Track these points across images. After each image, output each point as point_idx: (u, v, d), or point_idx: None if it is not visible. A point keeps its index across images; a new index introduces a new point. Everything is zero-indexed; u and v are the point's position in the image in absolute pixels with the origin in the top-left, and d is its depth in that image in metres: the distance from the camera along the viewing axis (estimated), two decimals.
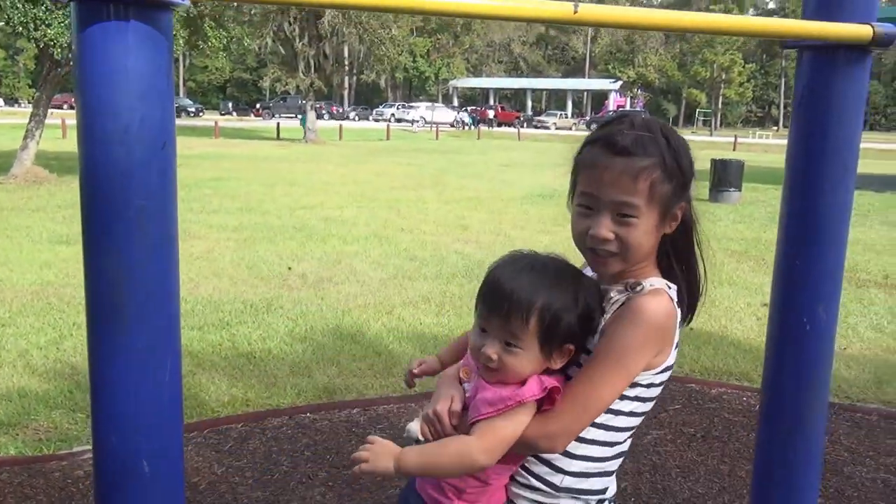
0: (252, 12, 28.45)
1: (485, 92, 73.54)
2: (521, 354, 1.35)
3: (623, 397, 1.38)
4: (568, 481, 1.42)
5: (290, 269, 7.45)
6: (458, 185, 15.79)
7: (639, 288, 1.38)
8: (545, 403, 1.35)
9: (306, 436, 3.36)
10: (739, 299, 6.76)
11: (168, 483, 1.23)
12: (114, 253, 1.12)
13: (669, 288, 1.41)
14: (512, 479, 1.46)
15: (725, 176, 13.99)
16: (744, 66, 70.26)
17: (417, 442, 1.47)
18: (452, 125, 52.21)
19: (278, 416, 3.59)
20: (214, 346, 4.97)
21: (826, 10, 1.44)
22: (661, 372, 1.41)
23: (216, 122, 33.46)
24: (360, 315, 5.88)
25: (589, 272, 1.53)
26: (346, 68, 34.94)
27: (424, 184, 15.76)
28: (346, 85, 54.26)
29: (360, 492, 2.87)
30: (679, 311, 1.40)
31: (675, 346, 1.40)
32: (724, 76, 68.83)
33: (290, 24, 28.85)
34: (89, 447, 3.27)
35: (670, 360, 1.41)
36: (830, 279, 1.57)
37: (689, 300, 1.47)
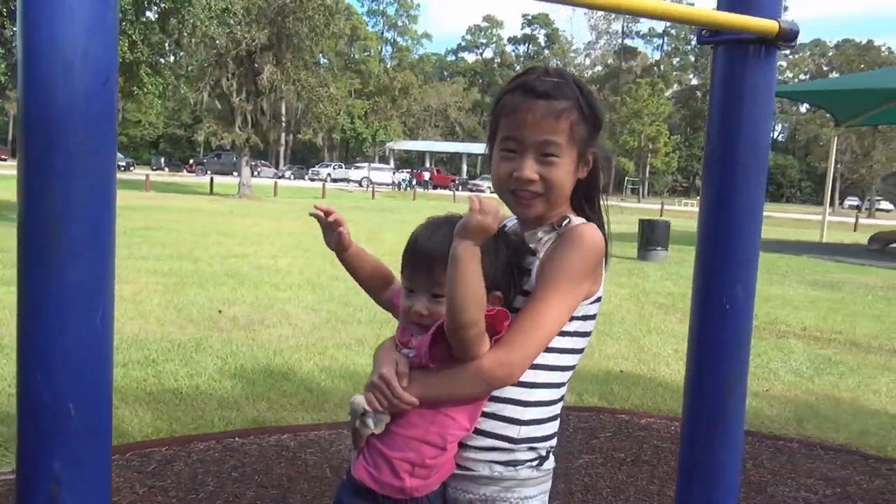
0: (189, 68, 28.43)
1: (421, 155, 74.60)
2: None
3: (563, 333, 1.42)
4: (525, 431, 1.43)
5: (220, 311, 7.30)
6: (394, 240, 15.82)
7: (566, 222, 1.46)
8: (495, 332, 1.37)
9: (234, 458, 3.27)
10: (667, 346, 6.93)
11: (95, 428, 1.20)
12: (51, 190, 1.11)
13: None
14: (463, 446, 1.45)
15: (653, 236, 14.46)
16: (669, 137, 73.40)
17: (363, 415, 1.41)
18: (399, 186, 52.77)
19: (205, 441, 3.47)
20: (139, 382, 4.80)
21: (737, 8, 1.57)
22: (595, 302, 1.47)
23: (147, 176, 32.88)
24: (292, 355, 5.79)
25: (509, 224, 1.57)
26: (283, 125, 35.03)
27: (360, 238, 15.52)
28: (283, 142, 54.26)
29: None
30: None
31: (603, 277, 1.47)
32: (650, 146, 71.70)
33: (227, 79, 28.90)
34: (5, 469, 3.10)
35: (601, 291, 1.47)
36: (747, 260, 1.67)
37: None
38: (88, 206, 1.15)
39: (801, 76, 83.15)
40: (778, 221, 33.56)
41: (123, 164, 54.39)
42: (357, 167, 59.68)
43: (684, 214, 39.45)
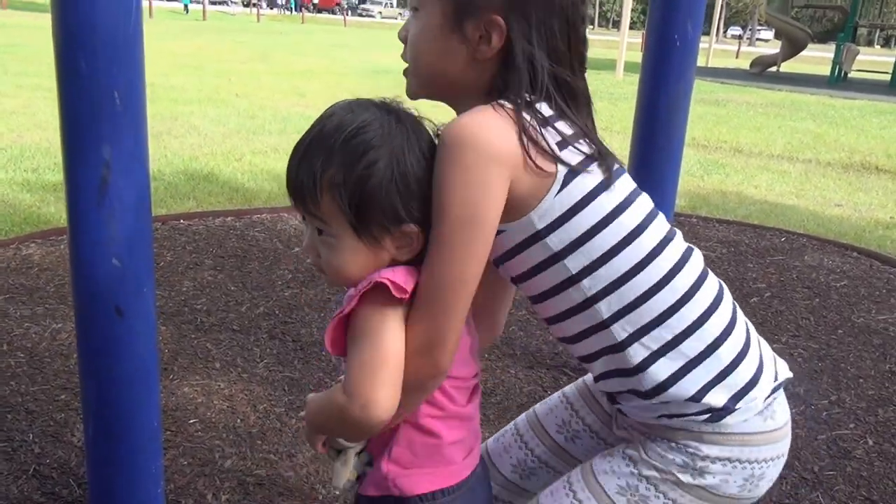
0: None
1: None
2: (335, 245, 0.96)
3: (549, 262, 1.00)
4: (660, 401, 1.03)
5: None
6: (288, 60, 15.26)
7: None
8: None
9: (184, 236, 3.35)
10: None
11: (137, 113, 1.29)
12: None
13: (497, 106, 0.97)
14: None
15: None
16: None
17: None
18: (286, 9, 49.85)
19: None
20: (56, 185, 4.69)
21: None
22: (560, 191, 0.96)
23: None
24: (209, 161, 5.74)
25: None
26: None
27: (253, 58, 15.08)
28: None
29: (249, 273, 2.95)
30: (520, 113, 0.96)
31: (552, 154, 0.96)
32: None
33: None
34: None
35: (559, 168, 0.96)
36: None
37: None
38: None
39: None
40: None
41: None
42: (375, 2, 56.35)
43: None
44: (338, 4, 57.06)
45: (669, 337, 0.99)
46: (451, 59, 1.01)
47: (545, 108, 0.99)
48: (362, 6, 58.93)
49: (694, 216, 4.70)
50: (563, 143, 0.97)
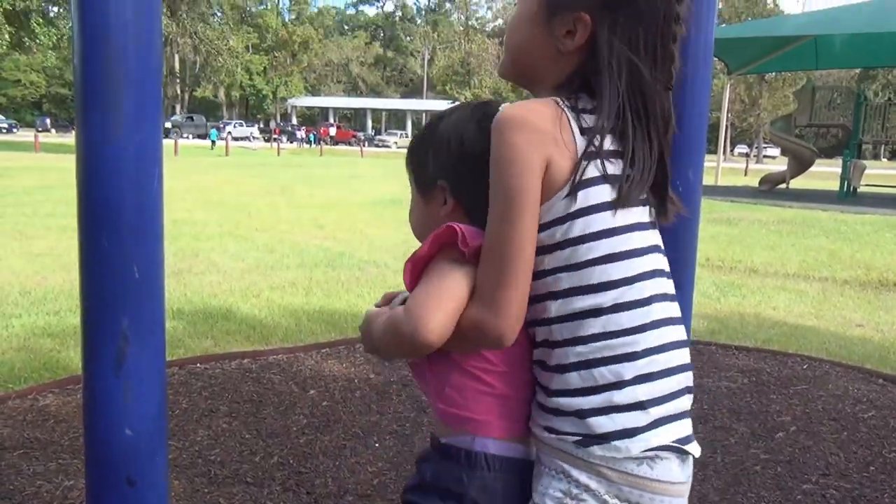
0: None
1: (324, 111, 73.31)
2: (412, 194, 1.25)
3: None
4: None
5: None
6: (308, 192, 15.75)
7: None
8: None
9: (200, 381, 3.36)
10: None
11: (154, 288, 1.32)
12: (109, 63, 1.21)
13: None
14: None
15: None
16: None
17: None
18: (304, 143, 52.10)
19: (168, 368, 3.54)
20: (76, 328, 4.76)
21: None
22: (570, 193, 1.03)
23: (36, 137, 31.10)
24: (227, 298, 5.82)
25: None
26: (179, 81, 33.71)
27: (273, 191, 15.58)
28: (179, 100, 52.05)
29: (264, 419, 2.93)
30: (566, 111, 1.05)
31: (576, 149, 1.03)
32: None
33: None
34: None
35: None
36: (697, 147, 1.91)
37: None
38: (139, 72, 1.25)
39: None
40: None
41: (5, 126, 51.21)
42: (391, 133, 60.56)
43: None
44: (354, 136, 59.42)
45: (590, 357, 1.05)
46: (537, 47, 1.12)
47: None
48: (378, 137, 61.27)
49: (713, 343, 4.65)
50: (592, 154, 1.05)
